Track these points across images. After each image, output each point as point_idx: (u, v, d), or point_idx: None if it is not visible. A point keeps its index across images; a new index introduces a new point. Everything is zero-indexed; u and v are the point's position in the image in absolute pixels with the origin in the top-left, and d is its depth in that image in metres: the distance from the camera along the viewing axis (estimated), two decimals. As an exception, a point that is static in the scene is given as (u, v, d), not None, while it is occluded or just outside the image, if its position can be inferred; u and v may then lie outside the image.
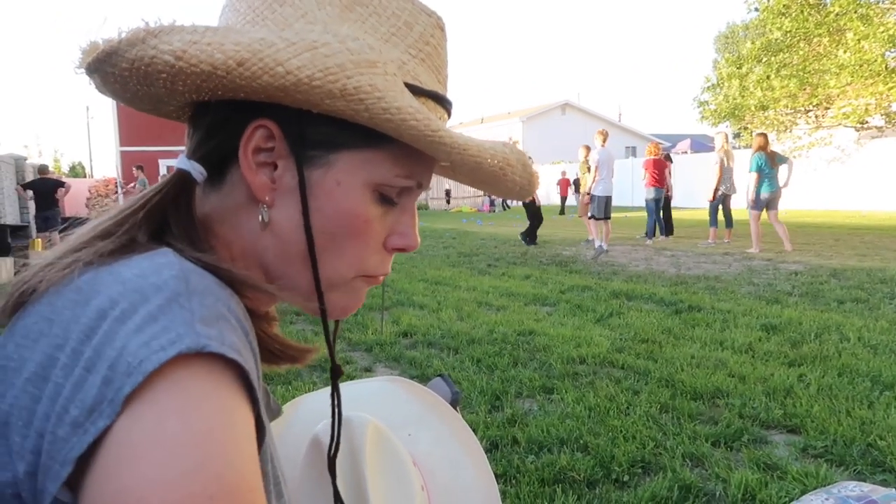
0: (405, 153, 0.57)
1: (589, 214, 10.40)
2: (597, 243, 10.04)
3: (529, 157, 0.67)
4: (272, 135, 0.55)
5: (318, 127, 0.55)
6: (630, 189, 28.08)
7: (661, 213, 12.28)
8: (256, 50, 0.49)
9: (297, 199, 0.56)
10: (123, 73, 0.51)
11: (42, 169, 14.18)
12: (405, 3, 0.60)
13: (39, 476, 0.41)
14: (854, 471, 2.62)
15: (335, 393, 0.69)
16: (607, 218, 10.14)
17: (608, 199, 10.21)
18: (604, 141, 10.30)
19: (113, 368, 0.40)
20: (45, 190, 13.30)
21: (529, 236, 12.27)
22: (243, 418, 0.42)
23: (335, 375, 0.67)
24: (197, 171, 0.57)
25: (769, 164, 9.64)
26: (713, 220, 11.29)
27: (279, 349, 0.57)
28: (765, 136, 10.03)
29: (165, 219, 0.55)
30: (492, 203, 29.78)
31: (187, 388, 0.40)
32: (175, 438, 0.38)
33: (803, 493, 2.35)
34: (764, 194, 9.69)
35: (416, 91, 0.56)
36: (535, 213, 12.24)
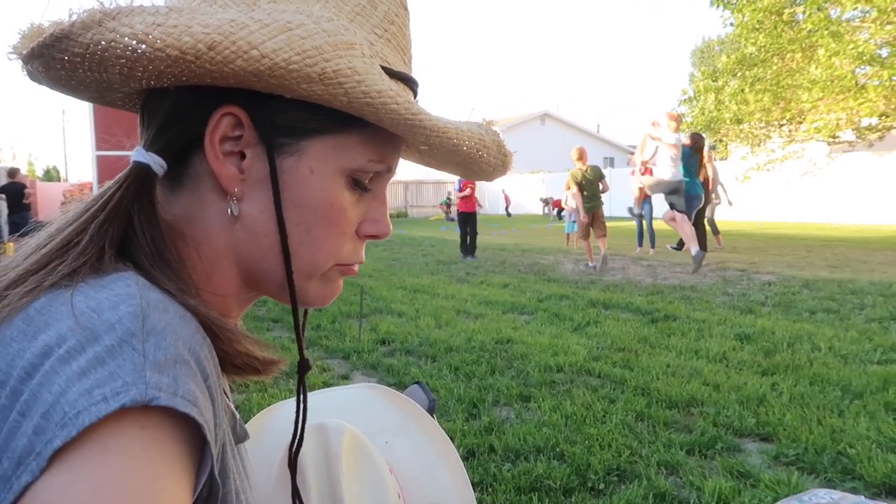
0: (376, 137, 0.55)
1: (671, 213, 8.65)
2: (693, 249, 8.55)
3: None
4: (240, 122, 0.52)
5: (287, 112, 0.52)
6: (608, 198, 28.19)
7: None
8: (228, 32, 0.46)
9: (268, 190, 0.53)
10: (74, 58, 0.46)
11: (12, 172, 13.93)
12: None
13: None
14: (825, 478, 2.66)
15: (301, 387, 0.66)
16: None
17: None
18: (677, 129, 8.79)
19: (47, 416, 0.36)
20: (14, 193, 13.08)
21: (469, 248, 11.64)
22: (171, 483, 0.38)
23: (302, 370, 0.64)
24: (157, 163, 0.53)
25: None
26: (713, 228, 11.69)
27: (245, 362, 0.54)
28: (695, 136, 10.03)
29: (129, 221, 0.51)
30: (448, 207, 29.61)
31: (114, 449, 0.36)
32: (92, 502, 0.35)
33: (775, 500, 2.38)
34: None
35: (388, 73, 0.53)
36: (471, 224, 11.63)
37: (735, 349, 4.71)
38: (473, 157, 0.60)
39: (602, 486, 2.63)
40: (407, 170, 39.66)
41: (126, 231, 0.50)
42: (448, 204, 29.23)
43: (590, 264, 9.66)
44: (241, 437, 0.61)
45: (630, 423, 3.28)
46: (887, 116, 14.98)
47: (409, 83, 0.57)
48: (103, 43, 0.45)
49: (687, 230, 8.60)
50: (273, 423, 1.12)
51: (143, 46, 0.45)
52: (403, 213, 32.61)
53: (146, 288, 0.45)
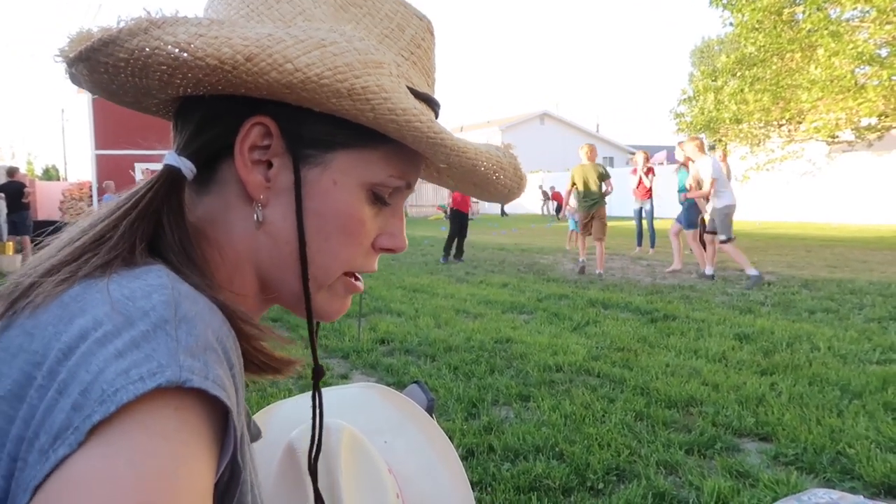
0: (398, 154, 0.57)
1: (723, 238, 7.97)
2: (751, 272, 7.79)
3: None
4: (269, 132, 0.54)
5: (315, 125, 0.54)
6: (607, 198, 28.30)
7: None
8: (265, 46, 0.48)
9: (291, 199, 0.55)
10: (119, 63, 0.49)
11: (11, 171, 13.91)
12: (398, 5, 0.60)
13: (9, 502, 0.39)
14: (824, 478, 2.66)
15: (316, 393, 0.68)
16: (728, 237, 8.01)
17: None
18: (701, 148, 8.37)
19: (85, 394, 0.38)
20: (13, 192, 13.07)
21: (456, 251, 11.24)
22: (202, 462, 0.40)
23: (317, 376, 0.66)
24: (187, 167, 0.55)
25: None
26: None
27: (264, 362, 0.56)
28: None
29: (159, 220, 0.53)
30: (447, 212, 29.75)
31: (156, 424, 0.38)
32: (126, 477, 0.36)
33: (774, 500, 2.38)
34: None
35: (413, 93, 0.56)
36: (462, 224, 11.27)
37: (734, 349, 4.71)
38: (490, 178, 0.63)
39: (601, 485, 2.63)
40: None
41: (156, 230, 0.52)
42: (446, 210, 29.31)
43: (581, 258, 9.30)
44: (254, 435, 0.63)
45: (629, 423, 3.28)
46: (886, 116, 14.98)
47: (432, 104, 0.60)
48: (147, 49, 0.47)
49: (739, 256, 7.97)
50: (272, 421, 1.12)
51: (185, 55, 0.47)
52: (403, 212, 32.63)
53: (176, 280, 0.47)
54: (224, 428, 0.43)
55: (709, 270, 8.43)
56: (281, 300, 0.61)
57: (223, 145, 0.55)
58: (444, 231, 19.09)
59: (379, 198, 0.59)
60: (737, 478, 2.66)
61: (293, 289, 0.58)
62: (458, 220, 11.21)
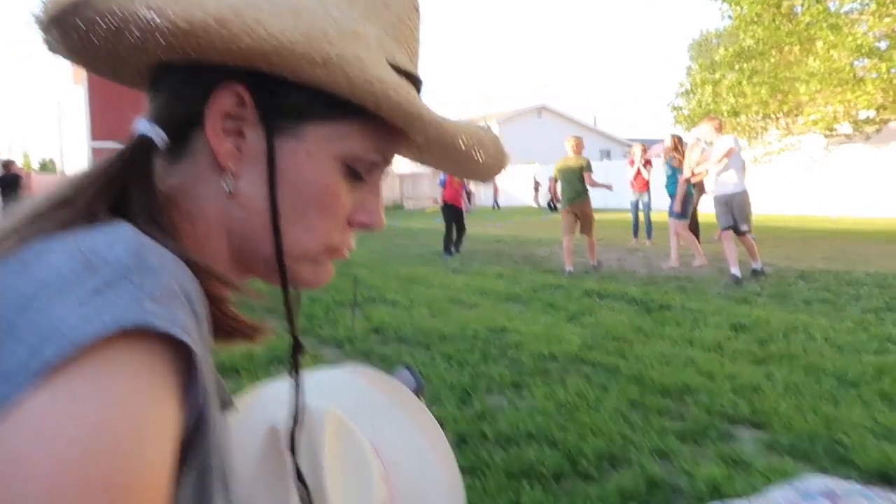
0: (375, 127, 0.56)
1: (746, 228, 7.41)
2: (733, 270, 7.42)
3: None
4: (242, 101, 0.53)
5: (290, 95, 0.53)
6: (604, 191, 28.34)
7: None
8: (238, 10, 0.47)
9: (263, 170, 0.54)
10: (91, 25, 0.47)
11: (6, 164, 13.90)
12: None
13: None
14: (819, 466, 2.64)
15: (296, 369, 0.66)
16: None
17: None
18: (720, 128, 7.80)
19: (42, 338, 0.36)
20: (9, 183, 13.07)
21: (454, 245, 10.93)
22: (164, 409, 0.39)
23: (296, 351, 0.64)
24: (159, 136, 0.54)
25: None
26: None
27: (234, 327, 0.55)
28: (677, 137, 9.81)
29: (126, 189, 0.51)
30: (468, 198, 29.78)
31: (111, 367, 0.37)
32: (87, 418, 0.35)
33: (767, 486, 2.36)
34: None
35: (394, 69, 0.55)
36: (458, 218, 11.02)
37: (730, 339, 4.69)
38: (470, 154, 0.61)
39: (594, 472, 2.60)
40: (404, 162, 39.65)
41: (123, 196, 0.51)
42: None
43: (566, 268, 8.47)
44: (226, 402, 0.61)
45: (623, 411, 3.26)
46: (885, 109, 14.98)
47: (414, 81, 0.59)
48: (118, 12, 0.46)
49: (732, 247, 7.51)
50: (256, 402, 1.09)
51: (157, 18, 0.46)
52: (399, 204, 32.57)
53: (141, 234, 0.46)
54: (189, 376, 0.42)
55: (756, 265, 7.61)
56: (256, 272, 0.59)
57: (195, 113, 0.53)
58: (439, 223, 19.09)
59: (355, 172, 0.57)
60: (731, 465, 2.64)
61: (268, 259, 0.57)
62: (451, 215, 11.01)
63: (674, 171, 9.63)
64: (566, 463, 2.66)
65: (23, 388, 0.35)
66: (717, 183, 7.58)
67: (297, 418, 0.69)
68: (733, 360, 4.16)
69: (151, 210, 0.51)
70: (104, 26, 0.48)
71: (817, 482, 2.29)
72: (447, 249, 10.85)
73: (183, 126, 0.54)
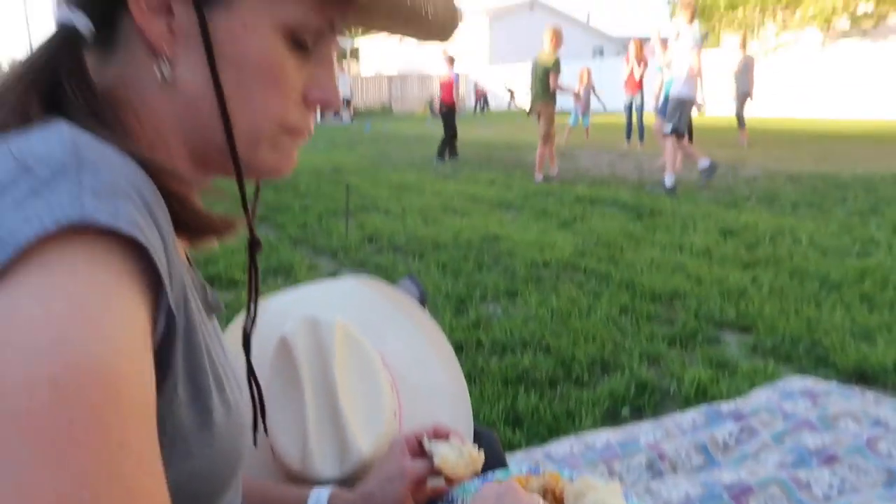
0: None
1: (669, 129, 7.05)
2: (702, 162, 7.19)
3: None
4: None
5: None
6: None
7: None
8: None
9: (201, 50, 0.50)
10: None
11: None
12: None
13: None
14: (800, 367, 2.77)
15: (252, 266, 0.64)
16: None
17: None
18: (692, 18, 6.88)
19: None
20: None
21: (448, 150, 10.57)
22: (122, 303, 0.37)
23: (252, 248, 0.62)
24: (83, 24, 0.50)
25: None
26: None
27: (200, 223, 0.52)
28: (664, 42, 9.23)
29: (58, 82, 0.48)
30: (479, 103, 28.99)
31: (56, 264, 0.36)
32: (29, 317, 0.34)
33: (751, 388, 2.49)
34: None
35: None
36: (450, 121, 10.66)
37: (718, 243, 4.77)
38: (418, 11, 0.56)
39: (586, 377, 2.72)
40: (391, 64, 38.40)
41: (56, 91, 0.47)
42: (433, 107, 28.58)
43: (538, 176, 8.16)
44: (214, 306, 0.60)
45: (614, 317, 3.37)
46: (883, 1, 14.52)
47: None
48: None
49: (677, 155, 7.08)
50: (262, 316, 1.12)
51: None
52: (388, 108, 31.87)
53: (79, 131, 0.43)
54: (151, 275, 0.40)
55: (703, 163, 7.27)
56: (214, 164, 0.57)
57: None
58: (429, 126, 18.76)
59: (299, 42, 0.53)
60: (717, 367, 2.76)
61: (223, 148, 0.53)
62: (447, 119, 10.69)
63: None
64: (559, 368, 2.77)
65: None
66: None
67: (252, 317, 0.67)
68: (721, 264, 4.26)
69: (91, 105, 0.48)
70: None
71: (797, 383, 2.42)
72: (441, 155, 10.62)
73: (107, 9, 0.50)
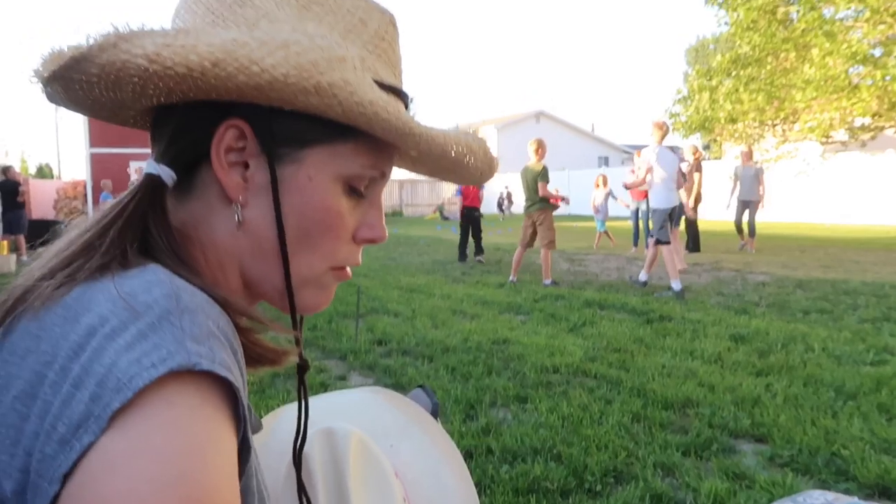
0: (370, 144, 0.59)
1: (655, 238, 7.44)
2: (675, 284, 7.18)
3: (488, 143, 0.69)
4: (243, 134, 0.56)
5: (287, 123, 0.55)
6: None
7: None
8: (230, 50, 0.49)
9: (269, 197, 0.56)
10: (91, 79, 0.50)
11: (5, 169, 13.87)
12: (359, 1, 0.61)
13: (28, 495, 0.41)
14: (819, 479, 2.69)
15: (302, 387, 0.69)
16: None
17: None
18: (662, 138, 7.45)
19: (101, 385, 0.40)
20: (8, 190, 13.03)
21: (476, 248, 11.05)
22: (226, 437, 0.43)
23: (302, 370, 0.67)
24: (167, 175, 0.57)
25: None
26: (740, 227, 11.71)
27: (260, 353, 0.58)
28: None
29: (146, 227, 0.55)
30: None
31: (175, 404, 0.40)
32: (155, 453, 0.38)
33: (770, 501, 2.41)
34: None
35: (380, 86, 0.57)
36: (476, 221, 11.05)
37: (730, 350, 4.74)
38: (461, 162, 0.65)
39: (599, 487, 2.65)
40: (402, 169, 39.51)
41: (143, 235, 0.54)
42: (443, 211, 29.18)
43: (511, 278, 8.44)
44: (254, 426, 0.64)
45: (626, 425, 3.31)
46: (880, 116, 15.05)
47: (400, 95, 0.61)
48: (118, 63, 0.48)
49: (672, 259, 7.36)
50: (278, 426, 1.13)
51: (154, 65, 0.48)
52: (399, 211, 32.58)
53: (172, 275, 0.49)
54: (233, 408, 0.45)
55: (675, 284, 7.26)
56: (265, 297, 0.63)
57: (200, 151, 0.56)
58: (439, 230, 19.08)
59: (355, 190, 0.60)
60: (733, 479, 2.69)
61: (276, 285, 0.60)
62: (470, 217, 11.01)
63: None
64: (572, 478, 2.71)
65: (96, 436, 0.38)
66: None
67: (302, 434, 0.72)
68: (733, 371, 4.21)
69: (172, 245, 0.54)
70: (105, 78, 0.50)
71: (819, 497, 2.34)
72: (463, 253, 10.96)
73: (190, 164, 0.57)
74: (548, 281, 8.19)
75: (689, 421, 3.38)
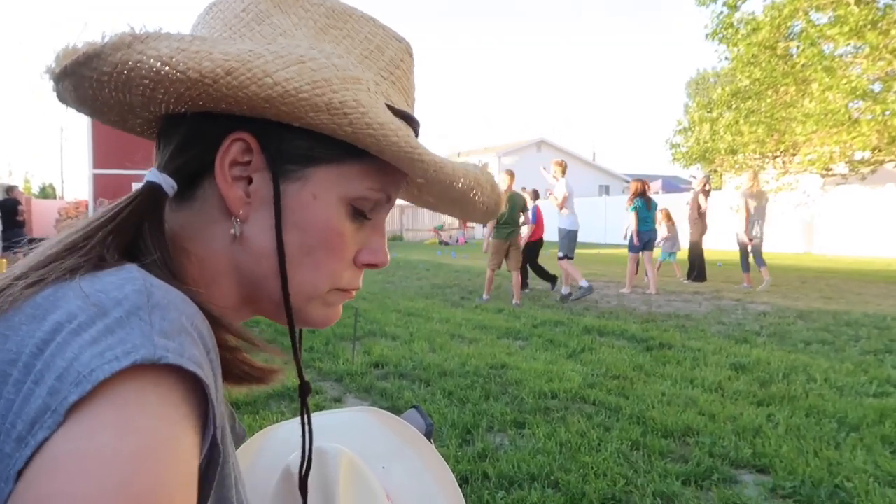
0: (377, 168, 0.58)
1: (562, 254, 9.19)
2: (583, 283, 9.06)
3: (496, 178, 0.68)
4: (249, 148, 0.55)
5: (295, 141, 0.55)
6: (603, 226, 28.70)
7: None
8: (245, 60, 0.49)
9: (271, 213, 0.55)
10: (102, 77, 0.49)
11: (9, 189, 13.99)
12: (376, 28, 0.62)
13: None
14: (822, 512, 2.63)
15: (304, 409, 0.67)
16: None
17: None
18: (563, 171, 9.34)
19: (61, 379, 0.38)
20: (8, 209, 13.13)
21: (544, 277, 10.74)
22: (185, 438, 0.40)
23: (304, 392, 0.66)
24: (168, 184, 0.56)
25: (646, 207, 10.13)
26: (745, 264, 10.84)
27: (245, 371, 0.57)
28: (642, 182, 10.37)
29: (137, 233, 0.53)
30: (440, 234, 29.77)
31: (131, 401, 0.38)
32: (102, 453, 0.36)
33: (773, 533, 2.35)
34: (642, 236, 10.04)
35: (392, 111, 0.57)
36: (536, 251, 10.64)
37: (730, 379, 4.69)
38: (467, 196, 0.64)
39: (597, 515, 2.59)
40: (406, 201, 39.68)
41: (133, 241, 0.53)
42: (440, 236, 29.24)
43: (484, 296, 9.24)
44: (239, 436, 0.64)
45: (625, 452, 3.25)
46: (880, 150, 15.13)
47: (411, 122, 0.60)
48: (130, 63, 0.48)
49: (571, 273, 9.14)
50: (268, 444, 1.10)
51: (167, 68, 0.48)
52: (399, 236, 32.62)
53: (148, 274, 0.47)
54: (203, 409, 0.43)
55: (583, 282, 9.14)
56: (265, 312, 0.61)
57: (204, 162, 0.55)
58: (439, 255, 19.08)
59: (359, 212, 0.59)
60: (734, 510, 2.63)
61: (277, 300, 0.58)
62: (536, 250, 10.59)
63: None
64: (569, 505, 2.65)
65: (51, 430, 0.36)
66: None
67: (307, 461, 0.70)
68: (734, 400, 4.16)
69: (162, 253, 0.52)
70: (116, 77, 0.49)
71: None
72: (551, 282, 10.54)
73: (192, 174, 0.56)
74: (518, 302, 8.80)
75: (689, 450, 3.32)
